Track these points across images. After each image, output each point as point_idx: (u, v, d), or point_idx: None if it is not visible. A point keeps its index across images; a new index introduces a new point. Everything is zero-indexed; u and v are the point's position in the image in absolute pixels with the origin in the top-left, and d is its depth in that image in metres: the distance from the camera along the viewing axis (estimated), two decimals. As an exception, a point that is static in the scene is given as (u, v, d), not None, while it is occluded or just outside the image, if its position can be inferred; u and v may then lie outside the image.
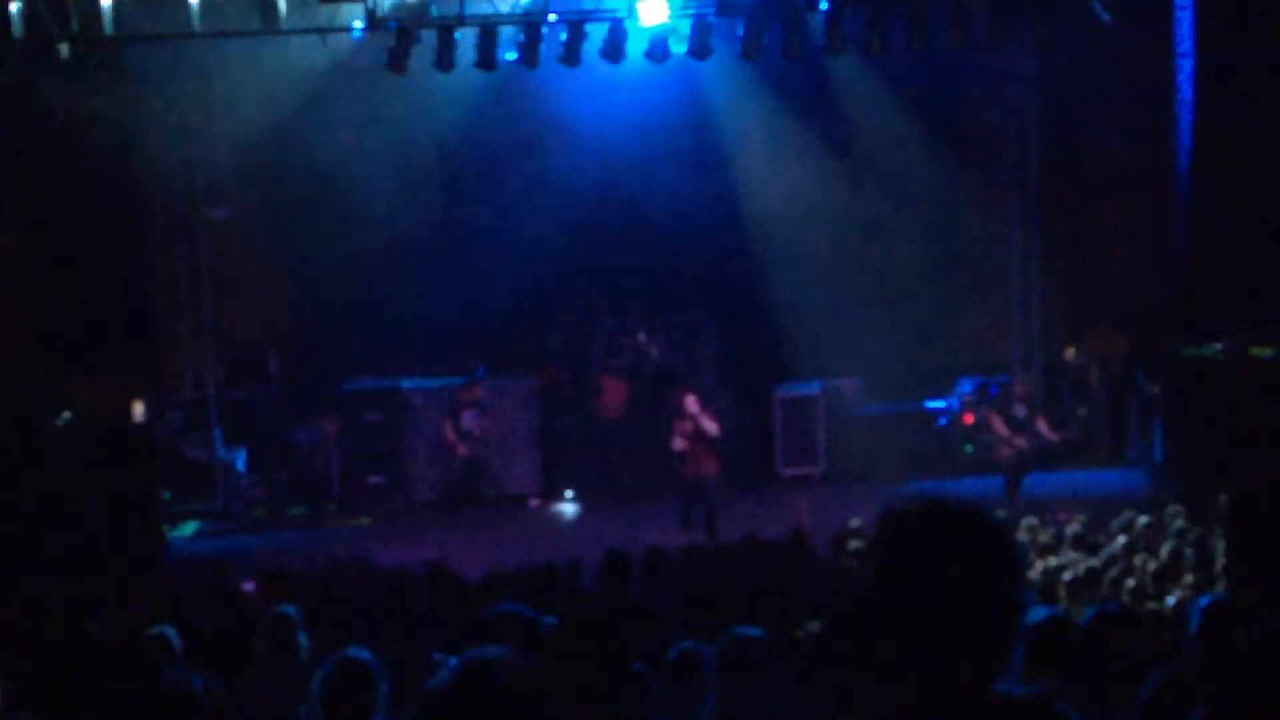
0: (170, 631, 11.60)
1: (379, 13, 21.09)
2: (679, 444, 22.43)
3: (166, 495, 23.94)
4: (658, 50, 21.62)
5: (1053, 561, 15.42)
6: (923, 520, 3.84)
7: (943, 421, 25.75)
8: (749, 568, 15.75)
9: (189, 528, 24.29)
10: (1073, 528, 17.33)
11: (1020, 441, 22.64)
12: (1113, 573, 14.02)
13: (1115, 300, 26.29)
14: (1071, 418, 25.07)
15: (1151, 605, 12.86)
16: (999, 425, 22.90)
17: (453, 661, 3.87)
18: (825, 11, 21.37)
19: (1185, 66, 22.20)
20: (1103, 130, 24.99)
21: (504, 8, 21.67)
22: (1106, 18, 21.85)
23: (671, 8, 21.83)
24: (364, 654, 7.65)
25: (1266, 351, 21.75)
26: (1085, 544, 16.54)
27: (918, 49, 21.66)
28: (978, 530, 3.82)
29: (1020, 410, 22.98)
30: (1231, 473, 19.69)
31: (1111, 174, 25.48)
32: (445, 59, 21.16)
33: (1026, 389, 23.99)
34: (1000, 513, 17.29)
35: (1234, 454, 20.53)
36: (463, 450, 24.52)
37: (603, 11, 21.68)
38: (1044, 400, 25.81)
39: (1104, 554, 15.60)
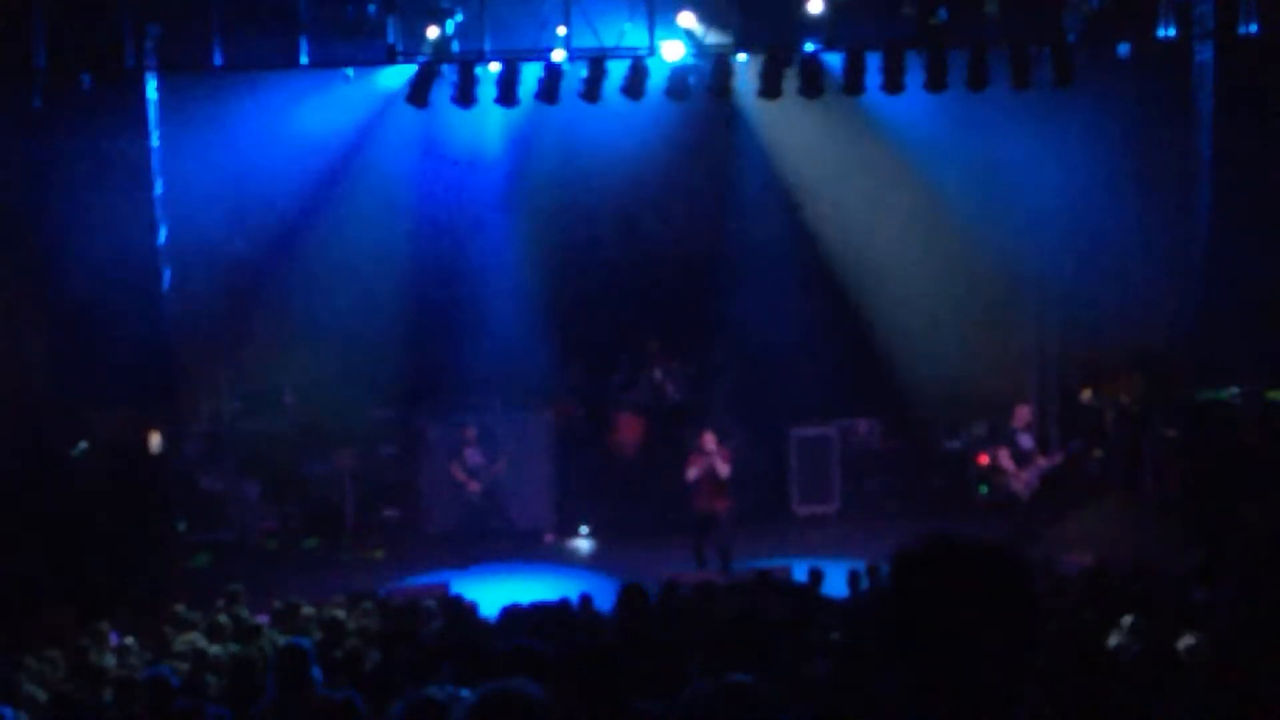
0: (167, 670, 11.68)
1: (400, 47, 21.18)
2: (693, 473, 22.45)
3: (181, 526, 23.96)
4: (678, 87, 21.70)
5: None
6: (937, 559, 3.84)
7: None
8: (763, 605, 15.73)
9: (203, 559, 24.27)
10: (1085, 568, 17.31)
11: (1028, 475, 22.57)
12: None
13: (1132, 343, 26.24)
14: (1063, 445, 24.91)
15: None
16: (1005, 460, 22.81)
17: (467, 694, 3.90)
18: (845, 54, 21.47)
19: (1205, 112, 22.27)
20: (1122, 175, 24.97)
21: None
22: None
23: (689, 45, 21.95)
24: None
25: (1282, 396, 21.76)
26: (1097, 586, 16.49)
27: (935, 91, 21.73)
28: (992, 568, 3.82)
29: (1026, 440, 22.84)
30: (1245, 516, 19.74)
31: (1129, 218, 25.45)
32: (466, 94, 21.24)
33: (1028, 419, 23.73)
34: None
35: (1248, 497, 20.55)
36: (475, 486, 24.43)
37: (623, 48, 21.75)
38: (1057, 437, 25.79)
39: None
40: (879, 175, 26.28)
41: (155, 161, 22.21)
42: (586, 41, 21.77)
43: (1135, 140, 23.88)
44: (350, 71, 22.91)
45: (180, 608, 17.12)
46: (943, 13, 21.28)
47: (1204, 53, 22.20)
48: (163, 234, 23.16)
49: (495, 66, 21.58)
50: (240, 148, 24.55)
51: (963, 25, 21.40)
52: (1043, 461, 22.62)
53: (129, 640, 15.92)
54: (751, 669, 9.07)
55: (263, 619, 16.83)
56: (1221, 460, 21.98)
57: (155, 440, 23.49)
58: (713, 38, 21.95)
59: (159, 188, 23.04)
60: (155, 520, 22.18)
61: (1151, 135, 23.80)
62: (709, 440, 22.56)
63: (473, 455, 24.39)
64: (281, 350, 26.29)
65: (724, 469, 22.40)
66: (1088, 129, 25.10)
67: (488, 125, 25.11)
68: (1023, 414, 23.32)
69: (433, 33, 21.08)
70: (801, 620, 13.90)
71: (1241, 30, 21.34)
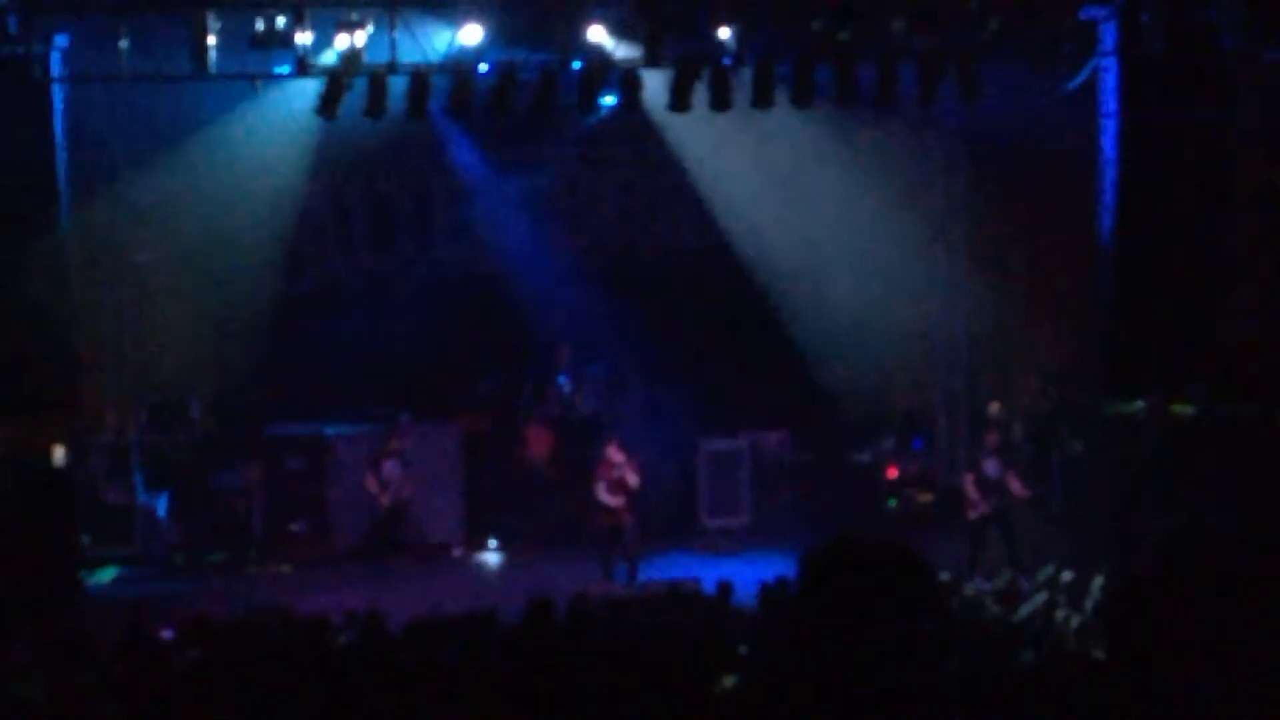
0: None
1: (310, 58, 21.06)
2: (601, 492, 22.50)
3: (86, 540, 23.70)
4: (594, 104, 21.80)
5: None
6: (841, 558, 3.87)
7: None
8: (673, 618, 15.72)
9: (108, 573, 24.05)
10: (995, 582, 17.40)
11: (987, 505, 22.16)
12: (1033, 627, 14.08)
13: (1040, 356, 26.42)
14: (1045, 474, 24.59)
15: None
16: (970, 488, 22.35)
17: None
18: (754, 67, 21.50)
19: (1109, 126, 22.39)
20: (1030, 186, 25.14)
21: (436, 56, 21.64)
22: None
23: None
24: None
25: (1188, 409, 21.89)
26: (1006, 598, 16.60)
27: (845, 104, 21.80)
28: (894, 563, 3.85)
29: (992, 467, 22.47)
30: (1151, 531, 19.88)
31: (1038, 230, 25.63)
32: (376, 106, 21.13)
33: (996, 441, 23.20)
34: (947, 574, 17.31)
35: (1154, 510, 20.68)
36: (385, 499, 24.34)
37: (534, 60, 21.69)
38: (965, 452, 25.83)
39: (1024, 610, 15.68)
40: (787, 186, 26.40)
41: (62, 171, 21.94)
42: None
43: (1041, 149, 24.00)
44: (258, 83, 22.74)
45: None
46: (848, 28, 21.28)
47: (1109, 69, 22.32)
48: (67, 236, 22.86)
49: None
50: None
51: (870, 40, 21.45)
52: (1016, 487, 22.22)
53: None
54: (662, 683, 9.06)
55: (168, 634, 16.66)
56: (1127, 473, 22.09)
57: (59, 453, 23.22)
58: (622, 51, 21.91)
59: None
60: (59, 534, 21.90)
61: (1057, 146, 23.94)
62: (614, 451, 22.61)
63: (391, 467, 24.30)
64: (187, 363, 26.15)
65: (633, 479, 22.45)
66: (994, 137, 25.24)
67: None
68: (991, 439, 22.99)
69: (342, 42, 20.90)
70: (712, 633, 13.91)
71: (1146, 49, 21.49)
